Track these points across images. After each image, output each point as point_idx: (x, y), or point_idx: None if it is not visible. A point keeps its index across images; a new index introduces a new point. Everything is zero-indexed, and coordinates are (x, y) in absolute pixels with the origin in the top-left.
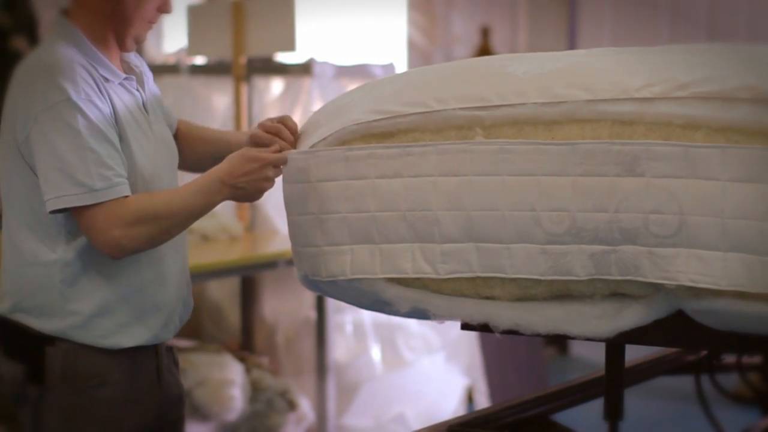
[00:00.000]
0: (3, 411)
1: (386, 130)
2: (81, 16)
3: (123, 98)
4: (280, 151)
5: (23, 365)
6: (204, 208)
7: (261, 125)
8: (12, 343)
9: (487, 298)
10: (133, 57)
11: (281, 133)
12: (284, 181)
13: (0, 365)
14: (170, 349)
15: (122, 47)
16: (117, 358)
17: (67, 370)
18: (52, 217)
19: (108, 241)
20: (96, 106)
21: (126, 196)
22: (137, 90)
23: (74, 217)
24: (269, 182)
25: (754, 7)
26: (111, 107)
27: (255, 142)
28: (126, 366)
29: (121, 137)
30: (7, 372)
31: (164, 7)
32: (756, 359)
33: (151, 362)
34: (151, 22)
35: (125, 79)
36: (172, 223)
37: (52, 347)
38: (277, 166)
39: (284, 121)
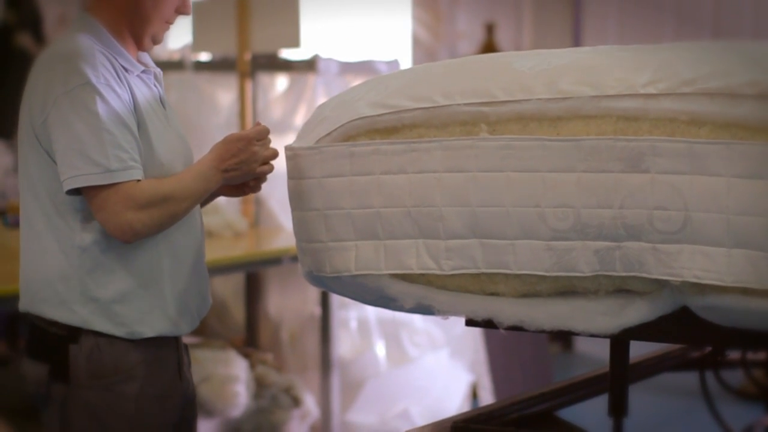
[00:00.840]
0: (24, 410)
1: (391, 125)
2: (101, 11)
3: (142, 89)
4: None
5: (47, 364)
6: (204, 192)
7: None
8: (35, 342)
9: (492, 294)
10: (148, 58)
11: None
12: (288, 176)
13: (23, 364)
14: (186, 347)
15: (140, 46)
16: (140, 350)
17: (92, 366)
18: (68, 202)
19: (121, 223)
20: (115, 91)
21: (138, 180)
22: (155, 85)
23: (88, 200)
24: (257, 159)
25: (759, 9)
26: (130, 95)
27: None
28: (149, 360)
29: (141, 125)
30: (30, 371)
31: (182, 9)
32: (760, 355)
33: (173, 356)
34: (169, 22)
35: (143, 72)
36: (179, 207)
37: (76, 345)
38: (261, 139)
39: None
